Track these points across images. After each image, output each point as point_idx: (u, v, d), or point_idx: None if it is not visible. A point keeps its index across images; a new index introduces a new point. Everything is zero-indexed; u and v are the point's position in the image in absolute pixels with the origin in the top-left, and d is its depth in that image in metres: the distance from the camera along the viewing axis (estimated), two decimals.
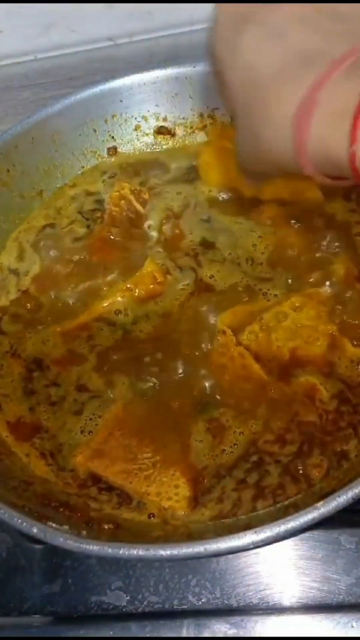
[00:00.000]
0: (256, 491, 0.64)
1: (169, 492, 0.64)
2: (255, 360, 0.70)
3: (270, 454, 0.66)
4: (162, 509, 0.64)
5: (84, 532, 0.60)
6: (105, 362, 0.74)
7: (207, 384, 0.71)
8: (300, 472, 0.64)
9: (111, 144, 0.94)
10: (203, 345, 0.73)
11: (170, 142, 0.95)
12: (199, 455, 0.66)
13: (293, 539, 0.70)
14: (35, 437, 0.70)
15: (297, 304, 0.73)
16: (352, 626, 0.65)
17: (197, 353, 0.72)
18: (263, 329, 0.72)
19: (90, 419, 0.70)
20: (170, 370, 0.72)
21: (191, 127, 0.94)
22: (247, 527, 0.55)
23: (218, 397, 0.70)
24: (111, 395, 0.71)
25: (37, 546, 0.72)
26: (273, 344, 0.71)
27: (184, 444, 0.67)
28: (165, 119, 0.94)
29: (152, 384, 0.71)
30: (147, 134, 0.94)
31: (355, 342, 0.71)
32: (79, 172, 0.93)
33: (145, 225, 0.85)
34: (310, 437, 0.66)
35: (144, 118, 0.93)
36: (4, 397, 0.74)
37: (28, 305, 0.80)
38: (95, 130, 0.92)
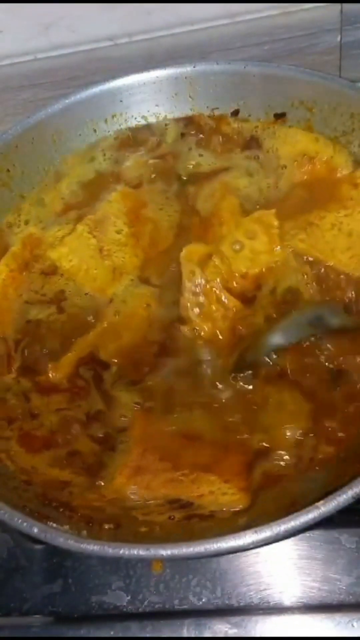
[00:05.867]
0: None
1: (222, 488, 0.63)
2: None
3: None
4: (220, 506, 0.63)
5: (85, 532, 0.60)
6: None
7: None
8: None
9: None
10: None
11: None
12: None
13: (293, 538, 0.70)
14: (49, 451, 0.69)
15: (250, 230, 0.74)
16: (353, 626, 0.65)
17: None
18: (224, 261, 0.72)
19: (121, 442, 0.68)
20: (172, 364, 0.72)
21: None
22: (247, 527, 0.55)
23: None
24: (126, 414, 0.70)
25: (38, 546, 0.72)
26: (235, 274, 0.72)
27: (222, 441, 0.66)
28: (165, 119, 0.94)
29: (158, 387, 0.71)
30: None
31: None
32: None
33: None
34: None
35: (144, 118, 0.93)
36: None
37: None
38: (95, 130, 0.92)
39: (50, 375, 0.72)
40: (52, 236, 0.83)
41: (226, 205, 0.81)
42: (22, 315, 0.78)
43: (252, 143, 0.88)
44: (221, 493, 0.63)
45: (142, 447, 0.67)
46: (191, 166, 0.88)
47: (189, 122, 0.92)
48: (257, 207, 0.81)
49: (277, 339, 0.70)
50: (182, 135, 0.91)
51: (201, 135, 0.90)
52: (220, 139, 0.89)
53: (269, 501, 0.63)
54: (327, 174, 0.83)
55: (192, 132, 0.91)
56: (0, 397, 0.72)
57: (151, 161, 0.89)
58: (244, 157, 0.87)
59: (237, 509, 0.62)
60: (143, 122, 0.93)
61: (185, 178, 0.87)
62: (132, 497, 0.64)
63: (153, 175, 0.88)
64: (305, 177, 0.83)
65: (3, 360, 0.75)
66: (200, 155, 0.89)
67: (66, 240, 0.81)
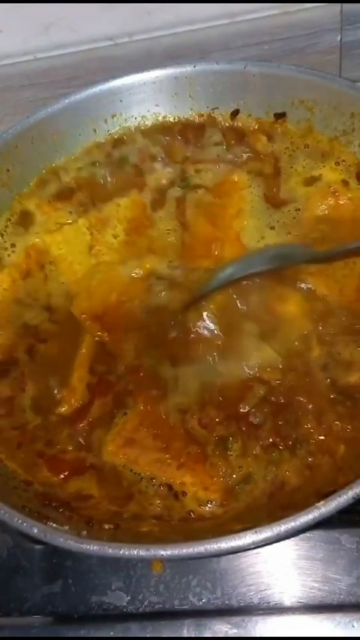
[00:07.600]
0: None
1: (205, 482, 0.64)
2: None
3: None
4: (198, 500, 0.63)
5: (85, 533, 0.60)
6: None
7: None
8: None
9: None
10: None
11: None
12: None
13: (293, 539, 0.70)
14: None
15: None
16: (353, 626, 0.65)
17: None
18: None
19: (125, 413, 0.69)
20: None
21: None
22: (247, 527, 0.55)
23: None
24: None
25: (38, 546, 0.72)
26: None
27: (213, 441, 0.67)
28: (165, 119, 0.94)
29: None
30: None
31: None
32: None
33: None
34: None
35: (144, 118, 0.93)
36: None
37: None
38: (95, 130, 0.92)
39: (69, 404, 0.71)
40: (53, 222, 0.84)
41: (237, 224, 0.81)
42: (19, 319, 0.78)
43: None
44: (203, 487, 0.64)
45: (139, 420, 0.67)
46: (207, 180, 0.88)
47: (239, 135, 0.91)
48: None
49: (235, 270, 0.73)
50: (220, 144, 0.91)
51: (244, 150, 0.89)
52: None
53: (268, 503, 0.63)
54: (351, 212, 0.81)
55: (237, 144, 0.90)
56: (21, 424, 0.71)
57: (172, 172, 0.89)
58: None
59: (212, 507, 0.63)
60: (150, 121, 0.93)
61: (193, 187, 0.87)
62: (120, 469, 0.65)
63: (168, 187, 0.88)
64: (327, 211, 0.81)
65: (17, 380, 0.74)
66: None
67: (65, 228, 0.83)
